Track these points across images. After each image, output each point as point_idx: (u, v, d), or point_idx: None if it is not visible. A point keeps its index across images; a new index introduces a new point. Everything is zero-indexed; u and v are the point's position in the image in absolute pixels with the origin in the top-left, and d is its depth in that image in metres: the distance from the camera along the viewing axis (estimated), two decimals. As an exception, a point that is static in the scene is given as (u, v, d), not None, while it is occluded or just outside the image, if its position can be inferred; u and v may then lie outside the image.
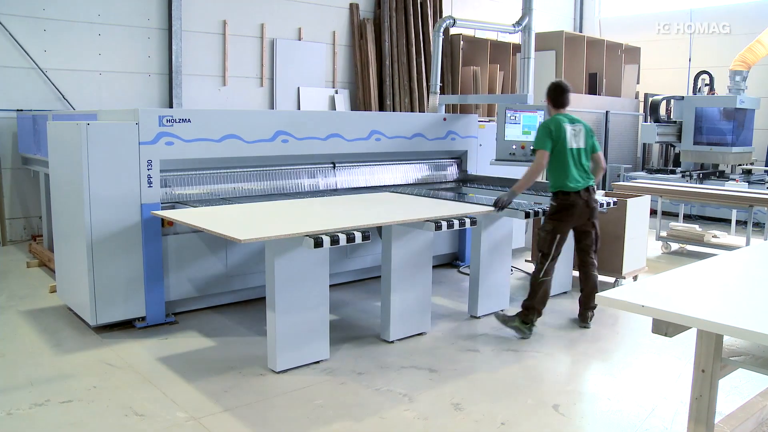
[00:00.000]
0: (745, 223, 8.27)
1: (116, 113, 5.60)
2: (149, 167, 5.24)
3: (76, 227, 5.14)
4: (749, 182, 11.01)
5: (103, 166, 5.00)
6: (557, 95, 5.51)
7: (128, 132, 5.13)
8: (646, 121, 13.58)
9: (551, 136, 5.34)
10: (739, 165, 12.02)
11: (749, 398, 3.82)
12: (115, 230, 5.11)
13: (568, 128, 5.38)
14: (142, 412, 3.91)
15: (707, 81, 12.67)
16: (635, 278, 7.07)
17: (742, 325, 2.48)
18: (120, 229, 5.13)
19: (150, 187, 5.26)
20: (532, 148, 5.67)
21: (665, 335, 2.93)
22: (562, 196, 5.43)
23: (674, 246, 9.11)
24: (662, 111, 12.42)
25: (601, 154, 5.69)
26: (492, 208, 5.46)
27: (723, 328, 2.52)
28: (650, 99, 12.57)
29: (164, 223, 5.33)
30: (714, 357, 2.83)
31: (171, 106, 9.72)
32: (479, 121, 8.04)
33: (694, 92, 12.73)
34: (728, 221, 9.79)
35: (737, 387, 4.29)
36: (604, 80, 13.83)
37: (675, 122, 12.15)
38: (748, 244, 7.90)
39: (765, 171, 12.00)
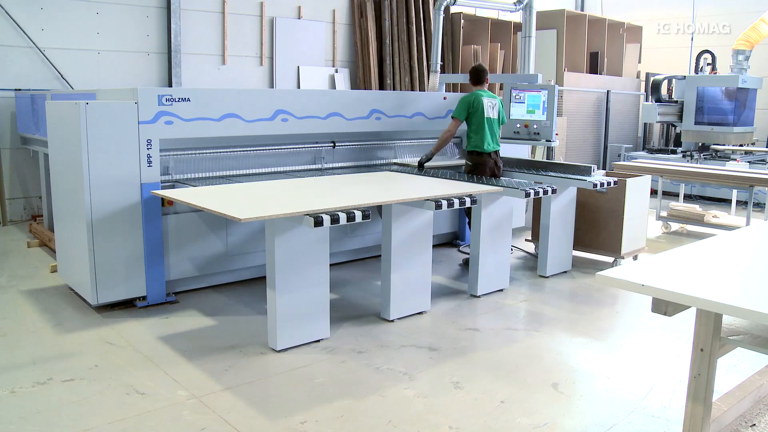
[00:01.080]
0: (746, 203, 8.26)
1: (115, 92, 5.58)
2: (149, 146, 5.23)
3: (76, 207, 5.14)
4: (750, 162, 10.98)
5: (102, 146, 4.98)
6: (477, 75, 6.65)
7: (127, 111, 5.12)
8: (647, 101, 13.55)
9: (469, 108, 6.47)
10: (740, 145, 11.97)
11: (747, 377, 3.85)
12: (115, 210, 5.11)
13: (485, 101, 6.48)
14: (143, 391, 3.93)
15: (709, 60, 12.59)
16: (635, 258, 7.09)
17: (742, 304, 2.48)
18: (120, 208, 5.13)
19: (150, 166, 5.25)
20: (451, 115, 6.64)
21: (665, 314, 2.94)
22: (476, 156, 6.52)
23: (674, 226, 9.12)
24: (663, 91, 12.35)
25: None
26: (493, 187, 5.48)
27: (722, 307, 2.53)
28: (651, 78, 12.50)
29: (164, 202, 5.33)
30: (713, 336, 2.84)
31: (170, 86, 9.68)
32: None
33: (696, 72, 12.65)
34: (729, 201, 9.79)
35: (735, 366, 4.30)
36: (606, 59, 13.77)
37: (676, 102, 12.10)
38: (748, 224, 7.90)
39: (765, 151, 11.97)
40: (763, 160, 11.12)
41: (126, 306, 5.34)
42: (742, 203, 9.44)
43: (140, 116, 5.16)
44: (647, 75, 13.93)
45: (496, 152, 6.64)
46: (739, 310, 2.47)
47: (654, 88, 12.34)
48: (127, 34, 9.42)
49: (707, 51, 12.69)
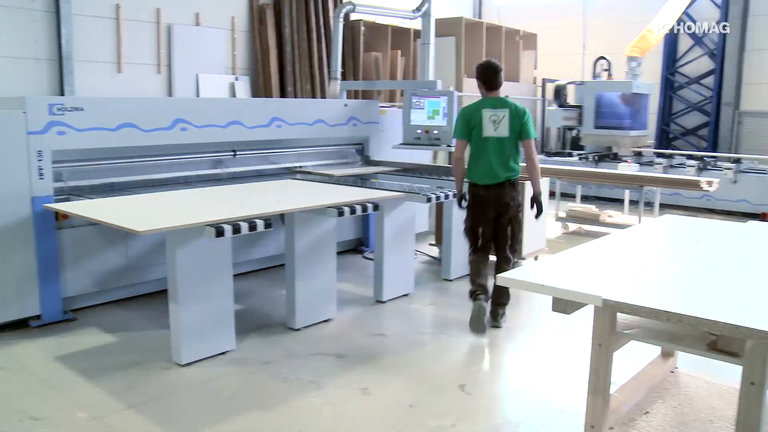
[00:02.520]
0: (637, 202, 8.67)
1: (0, 101, 5.32)
2: (40, 158, 5.01)
3: (-39, 223, 4.87)
4: (640, 164, 11.53)
5: (-12, 158, 4.75)
6: (482, 77, 5.29)
7: (14, 121, 4.88)
8: (544, 106, 14.01)
9: (467, 123, 5.15)
10: (636, 147, 12.51)
11: (641, 367, 4.03)
12: (3, 225, 4.86)
13: (486, 114, 5.07)
14: (38, 416, 3.75)
15: (606, 66, 13.06)
16: (536, 258, 7.30)
17: (636, 301, 2.61)
18: (9, 223, 4.89)
19: (41, 179, 5.03)
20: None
21: (564, 312, 3.06)
22: (470, 187, 5.23)
23: (573, 226, 9.45)
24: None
25: (529, 142, 5.11)
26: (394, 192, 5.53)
27: (617, 304, 2.65)
28: (554, 84, 12.88)
29: (58, 216, 5.12)
30: (609, 331, 2.96)
31: (62, 94, 9.29)
32: (381, 106, 8.08)
33: (593, 77, 13.10)
34: (622, 201, 10.23)
35: (631, 357, 4.49)
36: (503, 66, 14.14)
37: (578, 107, 12.52)
38: (640, 222, 8.28)
39: (654, 153, 12.59)
40: (652, 162, 11.68)
41: (18, 326, 5.07)
42: (634, 203, 9.89)
43: (29, 126, 4.94)
44: (543, 80, 14.40)
45: (501, 185, 5.04)
46: (634, 306, 2.59)
47: (557, 94, 12.67)
48: (11, 40, 8.95)
49: (603, 57, 13.11)
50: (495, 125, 5.02)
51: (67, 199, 5.24)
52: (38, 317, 5.12)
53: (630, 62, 12.27)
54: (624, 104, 12.28)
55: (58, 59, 9.35)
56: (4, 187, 4.85)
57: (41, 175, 5.03)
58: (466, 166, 5.26)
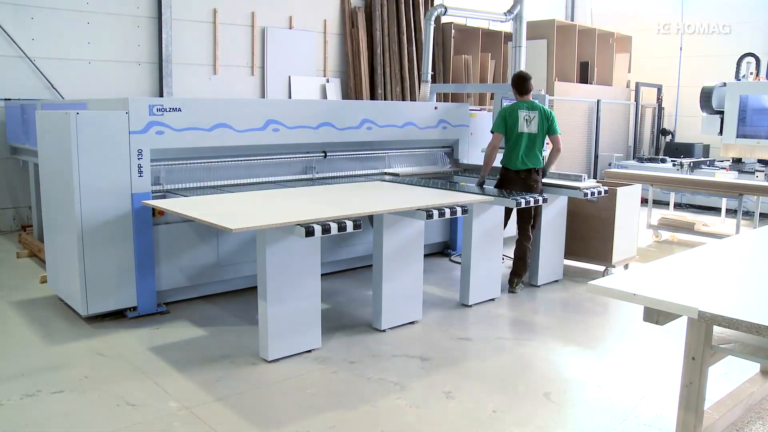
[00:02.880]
0: (735, 211, 8.31)
1: (106, 102, 5.57)
2: (140, 156, 5.22)
3: (66, 217, 5.12)
4: (739, 171, 11.01)
5: (92, 156, 4.97)
6: (518, 84, 6.29)
7: (118, 121, 5.10)
8: (638, 110, 13.60)
9: (505, 121, 6.17)
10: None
11: (738, 385, 3.86)
12: (105, 220, 5.09)
13: (522, 114, 6.15)
14: (133, 402, 3.90)
15: (753, 66, 11.62)
16: (626, 267, 7.10)
17: (733, 314, 2.50)
18: (110, 218, 5.11)
19: (140, 176, 5.23)
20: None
21: (656, 323, 2.96)
22: (503, 171, 6.32)
23: (665, 235, 9.15)
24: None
25: (557, 137, 6.22)
26: (484, 196, 5.51)
27: (714, 317, 2.54)
28: (702, 87, 11.42)
29: (155, 212, 5.31)
30: (704, 345, 2.85)
31: (161, 95, 9.67)
32: (471, 109, 8.03)
33: (737, 78, 11.61)
34: (718, 210, 9.83)
35: (726, 374, 4.31)
36: (596, 69, 13.84)
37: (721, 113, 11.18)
38: (737, 232, 7.94)
39: (757, 160, 12.01)
40: (752, 169, 11.17)
41: (116, 317, 5.31)
42: (731, 212, 9.49)
43: (131, 126, 5.15)
44: (637, 84, 14.01)
45: (528, 171, 6.15)
46: (731, 320, 2.48)
47: (706, 98, 11.20)
48: (118, 44, 9.42)
49: (750, 54, 11.69)
50: (528, 123, 6.13)
51: (164, 197, 5.43)
52: (134, 308, 5.33)
53: None
54: None
55: (159, 62, 9.74)
56: (108, 184, 5.07)
57: (140, 172, 5.23)
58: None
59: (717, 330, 2.87)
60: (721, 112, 10.98)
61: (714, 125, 11.08)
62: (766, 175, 10.77)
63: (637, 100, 14.04)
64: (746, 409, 3.65)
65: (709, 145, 13.60)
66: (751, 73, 11.43)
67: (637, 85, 14.03)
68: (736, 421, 3.52)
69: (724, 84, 11.13)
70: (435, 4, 8.62)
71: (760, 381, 3.89)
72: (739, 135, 10.60)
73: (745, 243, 4.11)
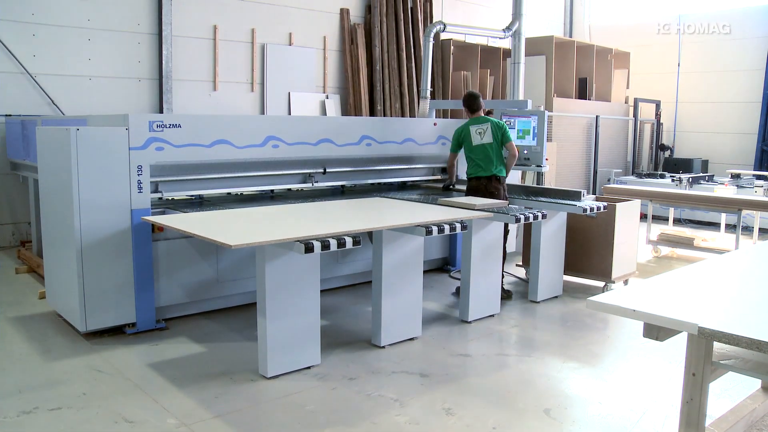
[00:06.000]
0: (735, 226, 8.31)
1: (106, 118, 5.59)
2: (139, 172, 5.22)
3: (66, 233, 5.12)
4: (738, 186, 11.03)
5: (92, 172, 4.98)
6: (467, 103, 6.71)
7: (118, 137, 5.11)
8: (636, 125, 13.64)
9: (459, 139, 6.68)
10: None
11: (739, 401, 3.84)
12: (104, 236, 5.09)
13: (473, 129, 6.58)
14: (132, 419, 3.88)
15: None
16: (626, 282, 7.09)
17: (733, 330, 2.50)
18: (110, 234, 5.11)
19: (140, 192, 5.24)
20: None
21: (656, 339, 2.95)
22: (469, 181, 6.70)
23: (664, 250, 9.15)
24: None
25: (510, 144, 6.57)
26: (483, 213, 5.51)
27: (714, 333, 2.54)
28: None
29: (154, 228, 5.31)
30: (704, 361, 2.84)
31: (161, 111, 9.69)
32: (470, 125, 8.04)
33: None
34: (718, 225, 9.84)
35: (727, 390, 4.30)
36: (594, 85, 13.89)
37: None
38: (737, 247, 7.94)
39: (753, 175, 12.04)
40: (751, 184, 11.18)
41: (115, 333, 5.29)
42: (731, 226, 9.50)
43: (131, 142, 5.16)
44: (635, 100, 14.06)
45: (488, 177, 6.52)
46: (731, 336, 2.48)
47: None
48: (118, 61, 9.45)
49: None
50: (481, 136, 6.53)
51: (163, 213, 5.44)
52: (133, 325, 5.32)
53: None
54: None
55: (159, 78, 9.77)
56: (107, 200, 5.07)
57: (140, 188, 5.23)
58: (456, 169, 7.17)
59: (717, 346, 2.86)
60: None
61: None
62: (765, 189, 10.80)
63: (635, 115, 14.08)
64: (748, 426, 3.63)
65: (708, 161, 13.63)
66: None
67: (636, 100, 14.08)
68: (738, 437, 3.51)
69: None
70: (434, 21, 8.66)
71: (761, 397, 3.87)
72: None
73: (745, 258, 4.11)
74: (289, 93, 11.18)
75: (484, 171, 6.54)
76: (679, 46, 14.19)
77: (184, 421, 3.86)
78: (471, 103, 6.69)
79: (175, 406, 4.08)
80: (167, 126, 5.38)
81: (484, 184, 6.52)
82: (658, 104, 14.48)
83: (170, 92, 9.83)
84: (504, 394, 4.37)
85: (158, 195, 5.54)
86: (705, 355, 2.84)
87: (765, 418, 3.75)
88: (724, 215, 9.43)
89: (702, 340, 2.74)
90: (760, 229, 8.99)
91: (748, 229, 9.51)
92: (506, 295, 6.57)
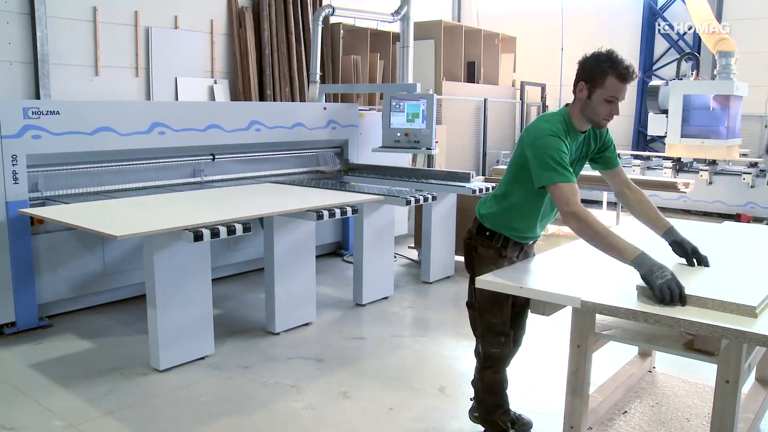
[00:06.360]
0: (615, 203, 8.73)
1: (-25, 106, 5.26)
2: (14, 162, 4.96)
3: (-66, 229, 4.81)
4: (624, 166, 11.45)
5: (-39, 163, 4.69)
6: None
7: (-11, 126, 4.83)
8: (523, 109, 14.05)
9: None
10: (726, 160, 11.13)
11: (619, 367, 4.06)
12: (-22, 231, 4.81)
13: None
14: (12, 426, 3.70)
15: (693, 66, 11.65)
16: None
17: (612, 302, 2.63)
18: (-16, 229, 4.84)
19: (16, 183, 4.97)
20: None
21: (543, 314, 3.07)
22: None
23: (551, 228, 9.49)
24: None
25: None
26: (373, 196, 5.56)
27: (595, 306, 2.67)
28: (649, 85, 11.40)
29: (34, 221, 5.06)
30: (588, 332, 2.98)
31: (38, 97, 9.20)
32: (360, 110, 8.08)
33: (678, 77, 11.40)
34: (600, 203, 10.31)
35: (609, 358, 4.52)
36: (482, 69, 14.18)
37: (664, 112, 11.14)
38: (617, 224, 8.34)
39: (631, 155, 12.64)
40: (629, 164, 11.77)
41: (-7, 333, 5.03)
42: (612, 204, 9.96)
43: (3, 130, 4.88)
44: (522, 83, 14.47)
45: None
46: (611, 307, 2.62)
47: (652, 95, 11.03)
48: (-13, 44, 8.88)
49: (690, 54, 11.66)
50: None
51: (43, 204, 5.19)
52: (12, 324, 5.05)
53: (721, 58, 10.63)
54: (720, 108, 10.59)
55: (34, 62, 9.26)
56: (-22, 192, 4.79)
57: (15, 179, 4.97)
58: None
59: (599, 318, 3.00)
60: (666, 111, 10.94)
61: (661, 124, 10.97)
62: (642, 168, 11.38)
63: (522, 98, 14.49)
64: (627, 390, 3.84)
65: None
66: (693, 73, 11.20)
67: (522, 84, 14.48)
68: (618, 401, 3.70)
69: (667, 83, 11.13)
70: (323, 5, 8.62)
71: (638, 362, 4.11)
72: (684, 135, 10.63)
73: (624, 233, 4.31)
74: (176, 78, 10.85)
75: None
76: (562, 30, 14.69)
77: (71, 422, 3.72)
78: None
79: (61, 407, 3.92)
80: (44, 113, 5.12)
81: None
82: (543, 87, 14.94)
83: (47, 77, 9.33)
84: (400, 375, 4.45)
85: (37, 186, 5.28)
86: (588, 327, 2.98)
87: (641, 381, 3.98)
88: (605, 193, 9.87)
89: (585, 313, 2.87)
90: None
91: (627, 206, 9.99)
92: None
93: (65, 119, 5.25)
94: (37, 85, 9.25)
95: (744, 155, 11.57)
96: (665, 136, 10.99)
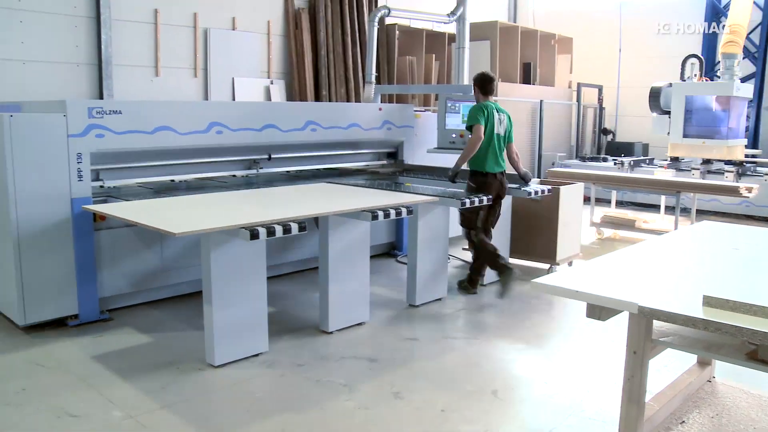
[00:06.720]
0: (673, 208, 8.53)
1: (42, 105, 5.42)
2: (79, 160, 5.09)
3: (2, 224, 4.96)
4: (677, 170, 11.30)
5: (28, 160, 4.83)
6: (484, 84, 6.14)
7: (55, 124, 4.97)
8: (580, 110, 13.84)
9: (484, 115, 5.93)
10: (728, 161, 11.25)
11: (677, 376, 3.96)
12: (43, 226, 4.95)
13: (496, 115, 6.04)
14: (75, 413, 3.81)
15: (697, 67, 11.53)
16: (570, 264, 7.23)
17: (671, 308, 2.57)
18: (49, 225, 4.98)
19: (80, 180, 5.11)
20: (466, 125, 6.15)
21: (599, 319, 3.02)
22: (480, 177, 6.05)
23: (607, 232, 9.34)
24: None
25: (513, 144, 6.29)
26: (429, 197, 5.55)
27: (653, 311, 2.60)
28: (651, 87, 11.52)
29: (96, 217, 5.19)
30: (645, 338, 2.92)
31: (101, 98, 9.45)
32: (415, 110, 8.07)
33: (682, 79, 11.46)
34: (658, 207, 10.09)
35: (666, 365, 4.42)
36: (538, 70, 14.04)
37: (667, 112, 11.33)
38: (676, 228, 8.15)
39: (690, 159, 12.33)
40: (689, 167, 11.49)
41: (57, 325, 5.16)
42: (670, 209, 9.74)
43: (69, 129, 5.03)
44: (579, 84, 14.28)
45: (502, 173, 6.10)
46: (669, 314, 2.55)
47: (655, 97, 11.33)
48: (54, 45, 9.15)
49: (694, 55, 11.66)
50: (500, 125, 6.07)
51: (105, 201, 5.32)
52: (76, 316, 5.20)
53: (725, 60, 10.88)
54: (721, 109, 10.90)
55: (98, 63, 9.51)
56: (45, 189, 4.94)
57: (80, 177, 5.11)
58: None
59: (657, 324, 2.94)
60: (669, 112, 11.19)
61: (663, 125, 11.23)
62: (701, 173, 11.10)
63: (578, 100, 14.30)
64: (685, 399, 3.75)
65: (648, 144, 13.92)
66: (695, 75, 11.37)
67: (579, 85, 14.30)
68: (676, 410, 3.62)
69: (671, 84, 11.26)
70: (379, 6, 8.64)
71: (697, 371, 4.00)
72: (686, 135, 10.91)
73: (683, 238, 4.23)
74: (233, 78, 11.01)
75: (502, 164, 6.11)
76: (620, 32, 14.44)
77: (130, 413, 3.81)
78: (486, 84, 6.18)
79: (121, 397, 4.01)
80: (107, 112, 5.26)
81: (500, 180, 6.10)
82: (600, 89, 14.73)
83: (110, 78, 9.58)
84: (452, 377, 4.42)
85: (99, 183, 5.42)
86: (645, 333, 2.91)
87: (700, 390, 3.88)
88: (663, 197, 9.67)
89: (642, 319, 2.81)
90: (697, 210, 9.25)
91: (686, 211, 9.78)
92: (506, 273, 5.93)
93: (127, 118, 5.38)
94: (101, 85, 9.50)
95: None
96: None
